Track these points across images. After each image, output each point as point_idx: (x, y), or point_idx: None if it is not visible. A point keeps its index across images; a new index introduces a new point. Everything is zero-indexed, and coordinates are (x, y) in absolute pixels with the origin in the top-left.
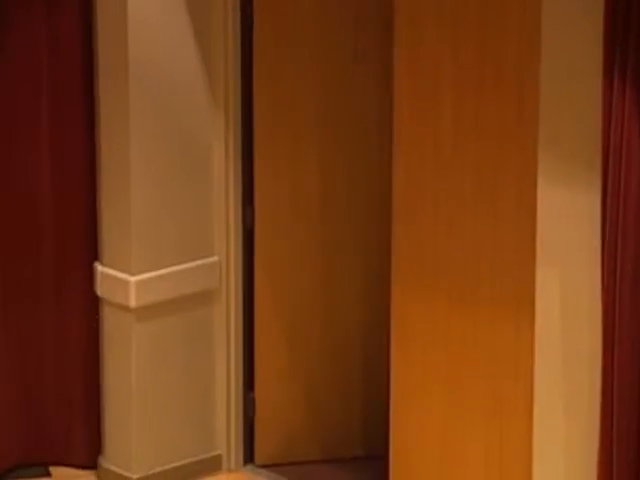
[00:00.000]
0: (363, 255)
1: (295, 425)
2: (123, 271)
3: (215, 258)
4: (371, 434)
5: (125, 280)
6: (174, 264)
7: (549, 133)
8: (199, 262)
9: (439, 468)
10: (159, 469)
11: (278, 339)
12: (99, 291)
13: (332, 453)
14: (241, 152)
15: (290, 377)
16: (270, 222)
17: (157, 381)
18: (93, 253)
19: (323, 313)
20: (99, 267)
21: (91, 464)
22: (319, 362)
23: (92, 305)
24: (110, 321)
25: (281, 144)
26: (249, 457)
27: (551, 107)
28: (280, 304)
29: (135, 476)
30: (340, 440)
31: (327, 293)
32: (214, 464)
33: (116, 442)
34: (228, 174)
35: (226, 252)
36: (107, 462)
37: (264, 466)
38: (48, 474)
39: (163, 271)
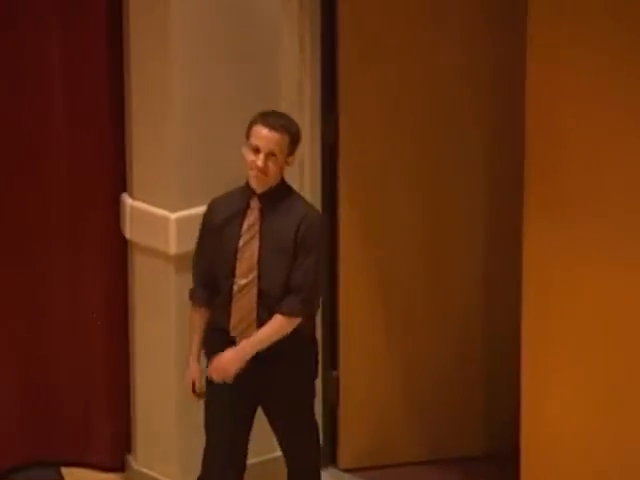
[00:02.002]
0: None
1: (391, 417)
2: (161, 206)
3: None
4: (491, 428)
5: (164, 218)
6: None
7: None
8: None
9: (589, 469)
10: None
11: (369, 298)
12: (128, 233)
13: (439, 452)
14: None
15: (385, 354)
16: (357, 138)
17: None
18: (119, 183)
19: (427, 268)
20: (128, 201)
21: (116, 465)
22: (423, 336)
23: (117, 252)
24: (143, 273)
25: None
26: (330, 458)
27: None
28: (371, 250)
29: None
30: (450, 436)
31: (431, 233)
32: (281, 467)
33: (151, 436)
34: (302, 81)
35: (299, 179)
36: (138, 463)
37: (350, 470)
38: (60, 478)
39: None
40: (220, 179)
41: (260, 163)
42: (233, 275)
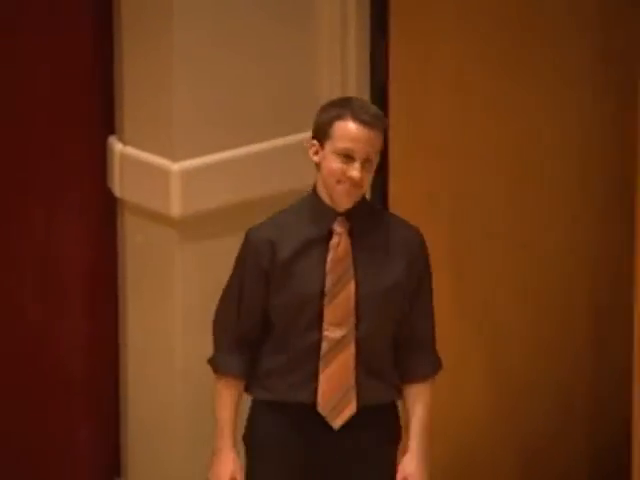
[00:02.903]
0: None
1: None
2: (160, 154)
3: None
4: (596, 455)
5: (164, 169)
6: (249, 142)
7: None
8: (294, 138)
9: None
10: None
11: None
12: (117, 189)
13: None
14: None
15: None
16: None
17: None
18: (105, 123)
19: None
20: (118, 146)
21: None
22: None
23: (103, 215)
24: (136, 241)
25: None
26: None
27: None
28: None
29: None
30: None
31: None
32: None
33: (148, 456)
34: None
35: None
36: None
37: None
38: None
39: (227, 154)
40: (237, 118)
41: (357, 174)
42: (319, 328)
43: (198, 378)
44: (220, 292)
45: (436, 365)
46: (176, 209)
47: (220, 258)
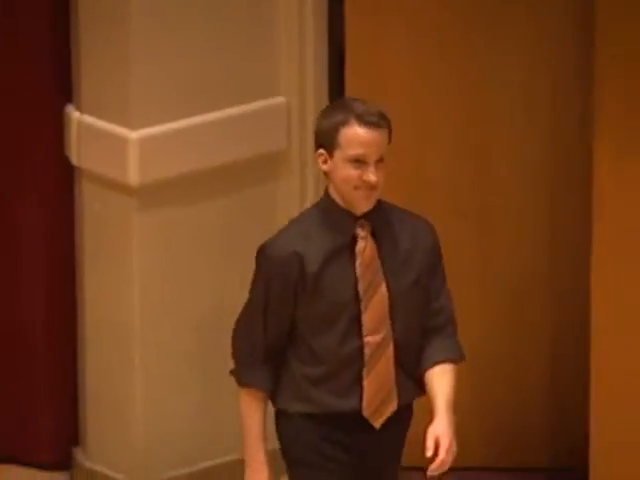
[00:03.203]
0: None
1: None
2: (119, 122)
3: (281, 99)
4: (556, 439)
5: (122, 137)
6: (207, 110)
7: None
8: (252, 106)
9: None
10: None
11: None
12: (75, 157)
13: (501, 460)
14: None
15: None
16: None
17: (175, 313)
18: (63, 91)
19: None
20: (75, 115)
21: (60, 461)
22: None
23: (60, 183)
24: (94, 210)
25: None
26: None
27: None
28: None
29: None
30: (510, 445)
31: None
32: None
33: (106, 425)
34: None
35: (299, 89)
36: (89, 459)
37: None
38: None
39: (185, 122)
40: (194, 87)
41: (373, 177)
42: (358, 335)
43: (156, 347)
44: (177, 261)
45: (460, 351)
46: (134, 177)
47: (178, 226)
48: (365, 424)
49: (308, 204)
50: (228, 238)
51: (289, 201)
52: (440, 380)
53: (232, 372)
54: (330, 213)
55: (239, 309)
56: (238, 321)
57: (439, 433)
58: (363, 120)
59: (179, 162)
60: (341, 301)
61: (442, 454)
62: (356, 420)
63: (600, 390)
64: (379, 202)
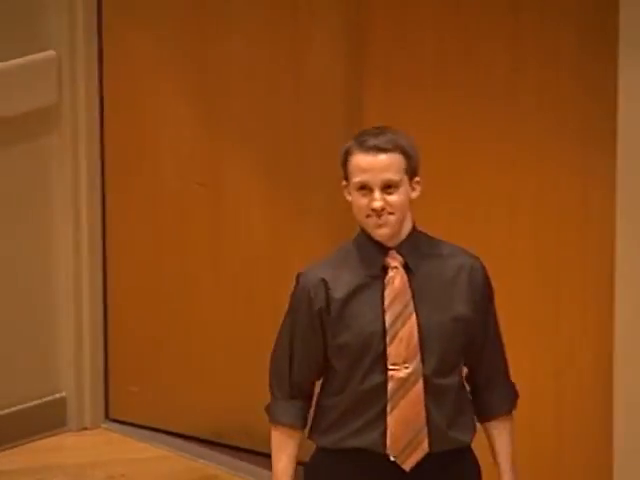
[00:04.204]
0: None
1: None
2: None
3: (51, 53)
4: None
5: None
6: None
7: None
8: (21, 60)
9: None
10: None
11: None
12: None
13: None
14: None
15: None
16: None
17: None
18: None
19: None
20: None
21: None
22: None
23: None
24: None
25: None
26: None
27: None
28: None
29: None
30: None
31: None
32: (57, 414)
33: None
34: None
35: (69, 43)
36: None
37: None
38: None
39: None
40: None
41: (377, 204)
42: (382, 370)
43: None
44: None
45: (513, 397)
46: None
47: None
48: (395, 469)
49: (82, 159)
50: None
51: (61, 155)
52: (499, 438)
53: (265, 408)
54: (362, 245)
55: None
56: (270, 356)
57: None
58: (363, 146)
59: None
60: (368, 332)
61: None
62: (384, 462)
63: None
64: (422, 235)
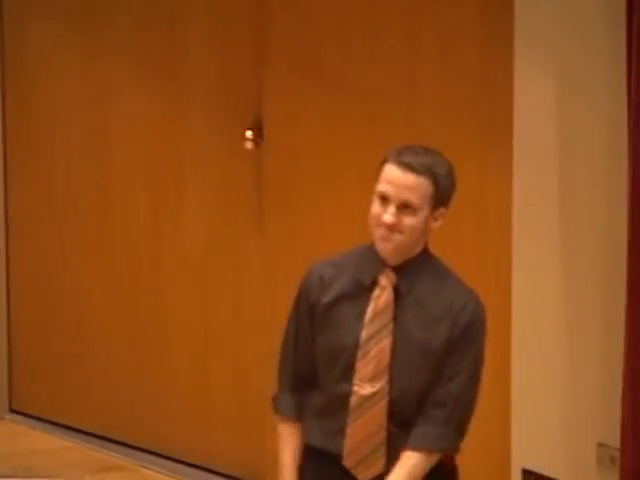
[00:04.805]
0: None
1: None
2: None
3: None
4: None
5: None
6: None
7: None
8: None
9: None
10: None
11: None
12: None
13: None
14: None
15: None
16: None
17: None
18: None
19: None
20: None
21: None
22: None
23: None
24: None
25: None
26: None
27: None
28: None
29: None
30: None
31: None
32: None
33: None
34: None
35: None
36: None
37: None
38: None
39: None
40: None
41: (389, 218)
42: (350, 381)
43: None
44: None
45: (441, 444)
46: None
47: None
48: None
49: None
50: None
51: None
52: (398, 467)
53: (272, 399)
54: (367, 254)
55: None
56: (280, 348)
57: None
58: (398, 159)
59: None
60: (343, 342)
61: None
62: (344, 469)
63: None
64: (428, 262)
